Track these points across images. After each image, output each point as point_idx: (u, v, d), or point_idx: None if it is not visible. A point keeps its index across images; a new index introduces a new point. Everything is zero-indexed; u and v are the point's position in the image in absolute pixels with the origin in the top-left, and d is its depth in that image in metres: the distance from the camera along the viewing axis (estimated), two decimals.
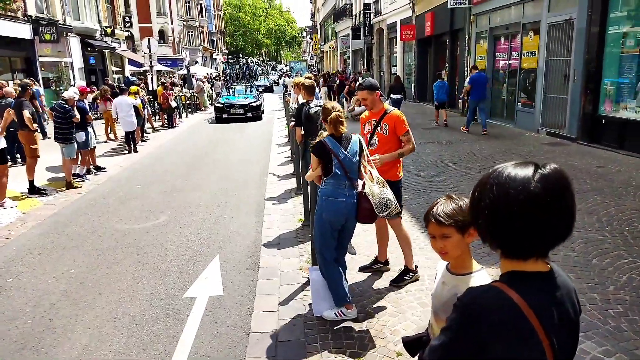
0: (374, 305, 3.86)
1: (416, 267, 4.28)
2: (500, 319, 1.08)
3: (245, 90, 20.99)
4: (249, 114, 18.44)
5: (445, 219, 1.65)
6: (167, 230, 6.16)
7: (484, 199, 1.12)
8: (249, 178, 8.98)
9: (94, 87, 18.35)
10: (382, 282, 4.26)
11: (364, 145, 3.66)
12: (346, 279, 3.74)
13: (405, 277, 4.21)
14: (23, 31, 17.76)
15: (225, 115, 18.35)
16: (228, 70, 33.94)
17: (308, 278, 4.10)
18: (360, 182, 3.62)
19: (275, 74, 49.37)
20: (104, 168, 10.15)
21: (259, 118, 18.84)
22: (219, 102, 19.17)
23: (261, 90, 24.27)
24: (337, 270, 3.64)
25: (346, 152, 3.52)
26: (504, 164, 1.14)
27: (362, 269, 4.49)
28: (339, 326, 3.57)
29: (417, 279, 4.23)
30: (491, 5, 13.82)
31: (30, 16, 18.29)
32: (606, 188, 6.68)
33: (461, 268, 1.71)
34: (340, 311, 3.65)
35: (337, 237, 3.67)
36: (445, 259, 1.73)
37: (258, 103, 18.97)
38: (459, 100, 15.76)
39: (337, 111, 3.59)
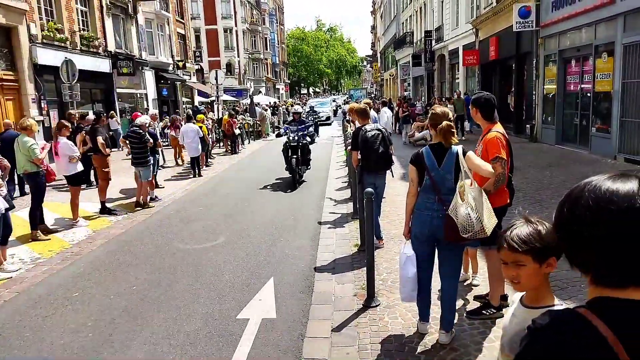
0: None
1: (502, 305, 3.81)
2: (579, 351, 0.90)
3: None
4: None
5: (519, 244, 1.44)
6: (224, 251, 6.24)
7: (578, 215, 0.96)
8: (306, 202, 8.99)
9: (155, 115, 18.86)
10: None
11: (462, 159, 3.25)
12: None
13: (483, 312, 3.86)
14: (103, 65, 19.35)
15: None
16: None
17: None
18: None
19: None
20: (162, 186, 11.10)
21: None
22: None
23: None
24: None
25: (439, 168, 3.34)
26: (597, 177, 0.97)
27: (471, 314, 3.91)
28: (395, 358, 3.37)
29: (501, 317, 3.71)
30: (560, 27, 13.23)
31: (110, 51, 19.97)
32: None
33: (535, 301, 1.52)
34: None
35: (430, 258, 3.50)
36: (516, 289, 1.56)
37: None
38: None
39: (448, 119, 3.38)
